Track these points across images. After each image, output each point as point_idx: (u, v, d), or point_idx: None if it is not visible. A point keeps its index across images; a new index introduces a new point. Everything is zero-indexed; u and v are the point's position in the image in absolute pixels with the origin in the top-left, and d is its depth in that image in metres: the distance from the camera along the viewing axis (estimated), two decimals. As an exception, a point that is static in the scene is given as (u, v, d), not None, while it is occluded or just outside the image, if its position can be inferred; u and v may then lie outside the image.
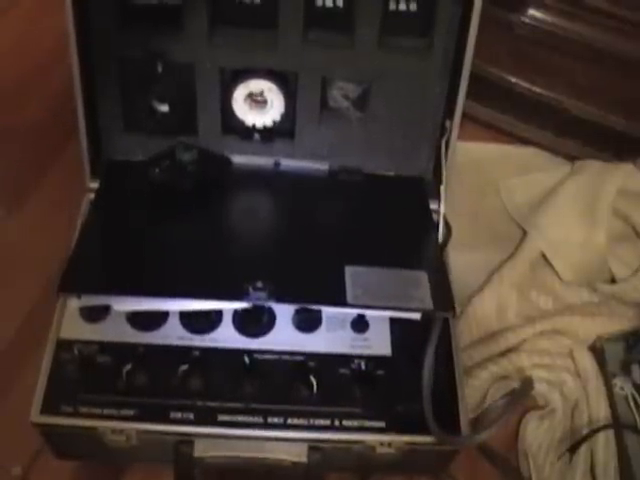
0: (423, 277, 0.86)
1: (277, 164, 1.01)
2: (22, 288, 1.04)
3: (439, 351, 0.85)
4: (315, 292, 0.84)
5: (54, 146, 1.10)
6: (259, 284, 0.81)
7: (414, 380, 0.84)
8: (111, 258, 0.88)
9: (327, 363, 0.85)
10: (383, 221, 0.96)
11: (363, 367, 0.85)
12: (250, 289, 0.81)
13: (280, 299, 0.82)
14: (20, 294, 1.03)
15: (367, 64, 0.94)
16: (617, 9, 1.13)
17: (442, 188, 0.94)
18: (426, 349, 0.84)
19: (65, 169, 1.02)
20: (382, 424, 0.82)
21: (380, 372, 0.85)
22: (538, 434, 0.98)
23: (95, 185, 0.96)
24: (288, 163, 1.00)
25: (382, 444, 0.82)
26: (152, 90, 0.95)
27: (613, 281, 1.11)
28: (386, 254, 0.90)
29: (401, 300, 0.83)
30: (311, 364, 0.84)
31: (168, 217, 0.93)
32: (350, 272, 0.85)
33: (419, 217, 0.97)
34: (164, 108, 0.96)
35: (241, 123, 0.97)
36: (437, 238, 0.94)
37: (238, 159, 1.00)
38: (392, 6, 0.91)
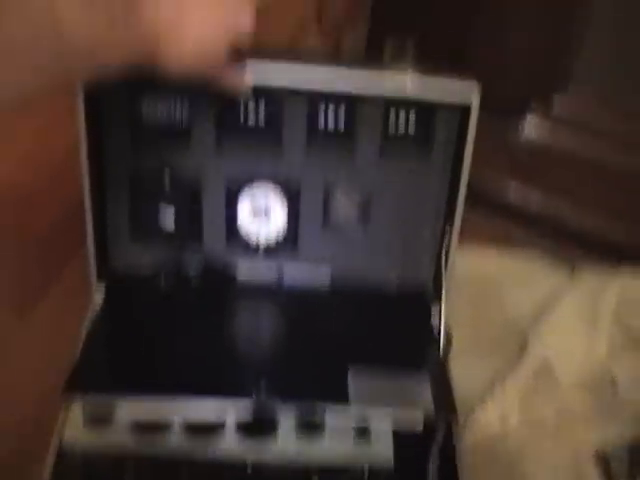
0: (425, 380, 0.86)
1: (280, 275, 1.02)
2: (27, 393, 1.03)
3: (442, 457, 0.85)
4: (318, 391, 0.84)
5: (62, 254, 1.11)
6: (263, 383, 0.82)
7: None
8: (116, 361, 0.89)
9: (330, 475, 0.84)
10: (385, 332, 0.96)
11: (366, 478, 0.84)
12: (254, 387, 0.82)
13: (283, 397, 0.82)
14: (25, 399, 1.02)
15: (368, 180, 0.97)
16: (616, 123, 1.16)
17: (442, 296, 0.94)
18: (428, 463, 0.84)
19: (73, 276, 1.03)
20: None
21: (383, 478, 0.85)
22: None
23: (101, 292, 0.97)
24: (291, 274, 1.02)
25: None
26: (159, 202, 0.97)
27: (616, 388, 1.10)
28: (388, 360, 0.90)
29: (403, 400, 0.84)
30: (314, 477, 0.84)
31: (173, 324, 0.93)
32: (353, 373, 0.86)
33: (420, 327, 0.97)
34: (171, 219, 0.98)
35: (245, 234, 0.99)
36: (438, 347, 0.93)
37: (242, 269, 1.01)
38: (392, 130, 0.95)
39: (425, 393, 0.84)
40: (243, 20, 0.76)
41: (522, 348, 1.14)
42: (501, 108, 1.00)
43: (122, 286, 0.98)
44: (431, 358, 0.92)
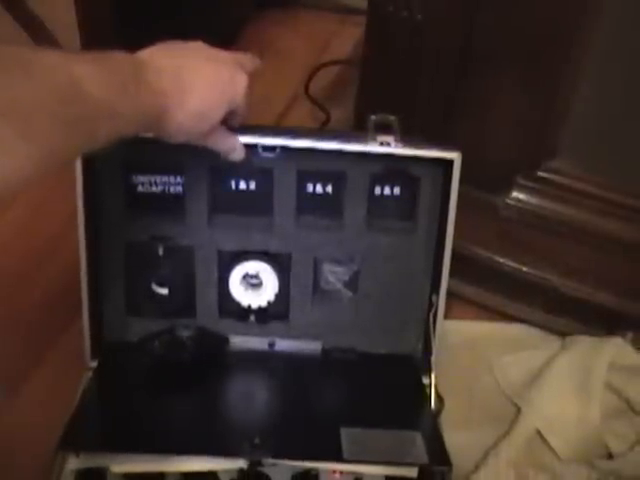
0: (418, 437, 0.86)
1: (272, 344, 1.02)
2: (20, 471, 1.01)
3: None
4: (311, 449, 0.84)
5: (55, 328, 1.11)
6: (256, 440, 0.82)
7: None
8: (110, 420, 0.89)
9: None
10: (377, 395, 0.97)
11: None
12: (247, 445, 0.81)
13: (277, 455, 0.81)
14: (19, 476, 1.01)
15: (355, 244, 0.98)
16: (603, 192, 1.16)
17: (432, 360, 0.94)
18: None
19: (66, 351, 1.03)
20: None
21: None
22: None
23: (94, 364, 0.97)
24: (282, 343, 1.02)
25: None
26: (153, 273, 0.99)
27: (610, 457, 1.07)
28: (380, 421, 0.90)
29: (397, 455, 0.83)
30: None
31: (166, 386, 0.94)
32: (346, 433, 0.86)
33: (412, 391, 0.98)
34: (164, 291, 0.99)
35: (237, 304, 1.00)
36: (430, 407, 0.95)
37: (234, 339, 1.02)
38: (377, 191, 0.98)
39: (419, 448, 0.84)
40: (238, 84, 0.82)
41: (515, 417, 1.11)
42: (487, 181, 1.01)
43: (115, 355, 0.99)
44: (423, 417, 0.94)
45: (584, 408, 1.10)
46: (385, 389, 0.98)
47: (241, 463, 0.83)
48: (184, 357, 0.96)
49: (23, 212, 1.26)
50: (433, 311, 0.96)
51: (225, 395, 0.97)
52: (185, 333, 0.97)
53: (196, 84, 0.78)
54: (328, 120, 1.55)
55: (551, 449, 1.08)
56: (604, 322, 1.18)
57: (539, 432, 1.09)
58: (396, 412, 0.94)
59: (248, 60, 0.88)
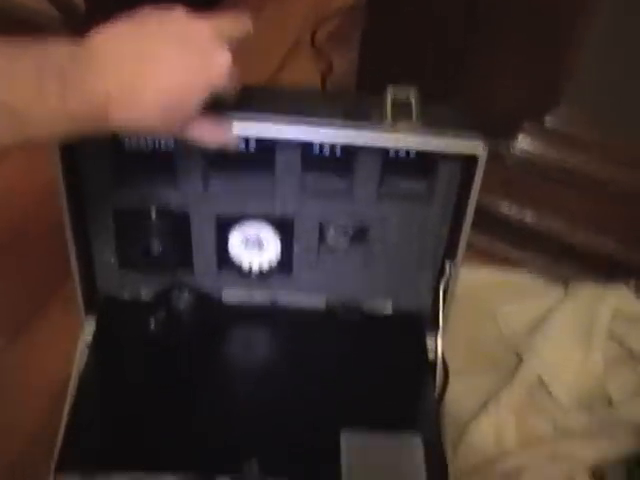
0: (418, 444, 0.81)
1: (274, 302, 0.98)
2: (19, 416, 1.01)
3: None
4: (309, 469, 0.79)
5: (55, 277, 1.09)
6: (254, 462, 0.78)
7: None
8: (106, 430, 0.84)
9: None
10: (380, 369, 0.92)
11: None
12: (245, 467, 0.78)
13: (274, 476, 0.78)
14: (17, 422, 1.01)
15: (366, 211, 0.91)
16: (607, 141, 1.13)
17: (439, 331, 0.91)
18: None
19: (64, 301, 1.02)
20: None
21: None
22: None
23: (90, 323, 0.93)
24: (285, 299, 0.97)
25: None
26: (146, 235, 0.92)
27: (611, 404, 1.07)
28: (382, 412, 0.86)
29: (396, 475, 0.79)
30: None
31: (165, 375, 0.89)
32: (345, 442, 0.81)
33: (417, 366, 0.93)
34: (159, 249, 0.93)
35: (237, 264, 0.94)
36: (434, 391, 0.90)
37: (234, 296, 0.97)
38: (392, 152, 0.86)
39: (418, 465, 0.79)
40: (215, 67, 0.69)
41: (517, 365, 1.10)
42: (493, 127, 0.97)
43: (112, 324, 0.94)
44: (426, 412, 0.88)
45: (586, 356, 1.09)
46: (390, 364, 0.93)
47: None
48: (182, 336, 0.92)
49: (20, 162, 1.23)
50: (445, 280, 0.92)
51: (223, 383, 0.90)
52: (182, 304, 0.94)
53: (157, 74, 0.66)
54: (331, 70, 1.50)
55: (552, 396, 1.07)
56: (607, 269, 1.16)
57: (541, 379, 1.08)
58: (399, 400, 0.89)
59: (234, 26, 0.74)
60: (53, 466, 0.78)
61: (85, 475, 0.79)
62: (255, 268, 0.94)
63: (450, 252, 0.91)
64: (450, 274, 0.91)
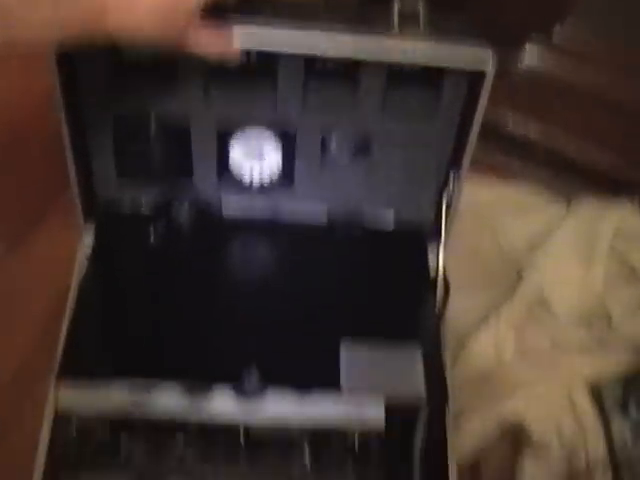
0: (418, 357, 0.81)
1: (275, 214, 0.96)
2: (19, 327, 1.01)
3: (433, 421, 0.81)
4: (309, 377, 0.79)
5: (54, 185, 1.08)
6: (253, 370, 0.78)
7: (407, 453, 0.80)
8: (106, 339, 0.84)
9: (321, 437, 0.81)
10: (381, 282, 0.91)
11: (357, 443, 0.81)
12: (244, 375, 0.78)
13: (274, 385, 0.78)
14: (18, 331, 1.01)
15: (370, 124, 0.89)
16: (613, 56, 1.11)
17: (441, 243, 0.90)
18: (414, 438, 0.80)
19: (64, 208, 1.00)
20: None
21: (373, 447, 0.81)
22: (534, 475, 0.94)
23: (89, 231, 0.92)
24: (286, 211, 0.96)
25: None
26: (145, 144, 0.90)
27: (610, 321, 1.07)
28: (383, 324, 0.86)
29: (395, 386, 0.79)
30: (305, 438, 0.81)
31: (164, 287, 0.88)
32: (345, 350, 0.81)
33: (418, 280, 0.92)
34: (159, 158, 0.92)
35: (238, 175, 0.93)
36: (434, 306, 0.89)
37: (235, 207, 0.96)
38: (397, 65, 0.82)
39: (417, 376, 0.80)
40: None
41: (517, 280, 1.10)
42: (501, 38, 0.94)
43: (111, 235, 0.92)
44: (427, 327, 0.87)
45: (587, 272, 1.09)
46: (391, 277, 0.92)
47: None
48: (182, 248, 0.91)
49: (16, 73, 1.20)
50: (449, 192, 0.90)
51: (223, 295, 0.88)
52: (182, 217, 0.92)
53: None
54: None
55: (552, 312, 1.07)
56: (611, 186, 1.15)
57: (541, 295, 1.08)
58: (400, 313, 0.88)
59: None
60: (54, 374, 0.78)
61: (85, 383, 0.79)
62: (256, 179, 0.92)
63: (454, 166, 0.89)
64: (453, 188, 0.89)
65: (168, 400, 0.80)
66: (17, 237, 1.10)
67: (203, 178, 0.93)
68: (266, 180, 0.93)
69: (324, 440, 0.81)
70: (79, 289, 0.87)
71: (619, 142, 1.13)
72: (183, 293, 0.87)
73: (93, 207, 0.93)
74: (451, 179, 0.89)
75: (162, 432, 0.80)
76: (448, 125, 0.88)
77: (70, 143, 0.86)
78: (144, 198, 0.94)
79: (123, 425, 0.80)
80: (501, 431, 0.95)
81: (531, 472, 0.94)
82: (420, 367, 0.80)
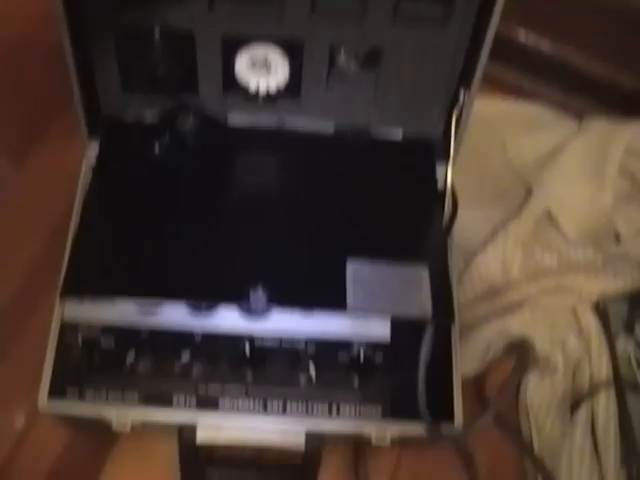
0: (425, 274, 0.81)
1: (281, 126, 0.94)
2: (24, 241, 1.01)
3: (438, 335, 0.82)
4: (315, 297, 0.79)
5: (58, 100, 1.06)
6: (259, 288, 0.78)
7: (412, 367, 0.81)
8: (111, 257, 0.83)
9: (327, 350, 0.82)
10: (388, 197, 0.90)
11: (362, 354, 0.81)
12: (251, 292, 0.77)
13: (280, 304, 0.78)
14: (23, 246, 1.01)
15: (379, 34, 0.86)
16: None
17: (450, 159, 0.89)
18: (420, 352, 0.81)
19: (68, 123, 0.98)
20: (378, 412, 0.80)
21: (379, 358, 0.82)
22: (539, 392, 0.95)
23: (93, 147, 0.91)
24: (292, 124, 0.94)
25: (378, 437, 0.81)
26: (149, 56, 0.88)
27: (618, 240, 1.06)
28: (389, 241, 0.85)
29: (401, 304, 0.79)
30: (311, 350, 0.82)
31: (168, 203, 0.87)
32: (351, 268, 0.81)
33: (425, 195, 0.91)
34: (163, 70, 0.89)
35: (244, 86, 0.90)
36: (442, 221, 0.89)
37: (240, 120, 0.94)
38: None
39: (424, 294, 0.79)
40: None
41: (526, 197, 1.09)
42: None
43: (115, 147, 0.91)
44: (434, 244, 0.86)
45: (597, 191, 1.07)
46: (398, 191, 0.90)
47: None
48: (186, 161, 0.89)
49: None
50: (458, 108, 0.88)
51: (228, 209, 0.87)
52: (187, 127, 0.90)
53: None
54: None
55: (560, 230, 1.06)
56: (623, 104, 1.13)
57: (549, 213, 1.07)
58: (407, 228, 0.87)
59: None
60: (58, 292, 0.78)
61: (89, 300, 0.80)
62: (262, 91, 0.90)
63: (465, 80, 0.87)
64: (464, 103, 0.87)
65: (174, 314, 0.81)
66: (19, 153, 1.09)
67: (208, 91, 0.91)
68: (272, 93, 0.90)
69: (329, 353, 0.81)
70: (83, 204, 0.86)
71: (633, 58, 1.10)
72: (188, 208, 0.86)
73: (97, 123, 0.92)
74: (462, 94, 0.87)
75: (167, 345, 0.80)
76: (460, 36, 0.85)
77: (72, 58, 0.83)
78: (148, 113, 0.92)
79: (128, 338, 0.80)
80: (506, 346, 0.95)
81: (534, 388, 0.94)
82: (427, 285, 0.80)
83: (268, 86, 0.90)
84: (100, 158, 0.90)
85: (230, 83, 0.91)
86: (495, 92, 1.17)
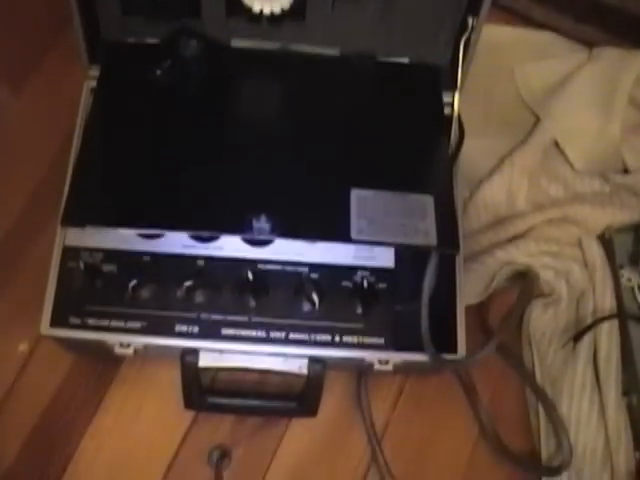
0: (429, 203, 0.79)
1: (285, 50, 0.92)
2: (25, 167, 1.00)
3: (442, 265, 0.82)
4: (319, 226, 0.78)
5: (56, 24, 1.06)
6: (263, 218, 0.76)
7: (415, 295, 0.80)
8: (111, 185, 0.81)
9: (330, 276, 0.82)
10: (394, 125, 0.88)
11: (365, 280, 0.81)
12: (254, 222, 0.76)
13: (283, 234, 0.77)
14: (23, 173, 1.00)
15: None
16: None
17: (457, 86, 0.87)
18: (424, 280, 0.80)
19: (67, 47, 0.97)
20: (381, 341, 0.80)
21: (382, 285, 0.82)
22: (542, 322, 0.95)
23: (94, 72, 0.89)
24: (297, 47, 0.92)
25: (380, 362, 0.81)
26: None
27: (626, 172, 1.04)
28: (394, 167, 0.84)
29: (406, 233, 0.77)
30: (314, 276, 0.81)
31: (170, 129, 0.85)
32: (355, 197, 0.79)
33: (432, 122, 0.89)
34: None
35: (248, 8, 0.87)
36: (448, 150, 0.87)
37: (243, 44, 0.92)
38: None
39: (429, 223, 0.78)
40: None
41: (533, 127, 1.07)
42: None
43: (116, 68, 0.89)
44: (439, 173, 0.85)
45: (605, 121, 1.05)
46: (404, 117, 0.89)
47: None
48: (189, 87, 0.87)
49: None
50: (466, 37, 0.86)
51: (231, 136, 0.86)
52: (190, 52, 0.87)
53: None
54: None
55: (567, 160, 1.05)
56: (634, 33, 1.09)
57: (556, 142, 1.05)
58: (412, 156, 0.85)
59: None
60: (59, 219, 0.77)
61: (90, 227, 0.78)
62: (266, 14, 0.87)
63: (474, 6, 0.84)
64: (472, 29, 0.85)
65: (177, 240, 0.81)
66: (18, 78, 1.07)
67: (211, 15, 0.89)
68: (277, 16, 0.87)
69: (332, 279, 0.81)
70: (84, 130, 0.85)
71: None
72: (191, 134, 0.84)
73: (97, 48, 0.90)
74: (470, 20, 0.85)
75: (170, 271, 0.80)
76: None
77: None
78: (149, 38, 0.90)
79: (131, 263, 0.80)
80: (510, 276, 0.95)
81: (538, 318, 0.94)
82: (432, 214, 0.79)
83: (272, 9, 0.87)
84: (100, 82, 0.88)
85: (233, 6, 0.88)
86: (504, 19, 1.15)
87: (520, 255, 0.94)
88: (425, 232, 0.77)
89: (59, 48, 1.08)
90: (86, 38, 0.87)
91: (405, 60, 0.93)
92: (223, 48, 0.91)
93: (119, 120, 0.86)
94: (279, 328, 0.79)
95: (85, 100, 0.88)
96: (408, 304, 0.80)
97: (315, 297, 0.80)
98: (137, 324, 0.79)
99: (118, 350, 0.80)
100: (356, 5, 0.88)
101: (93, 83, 0.88)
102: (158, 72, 0.86)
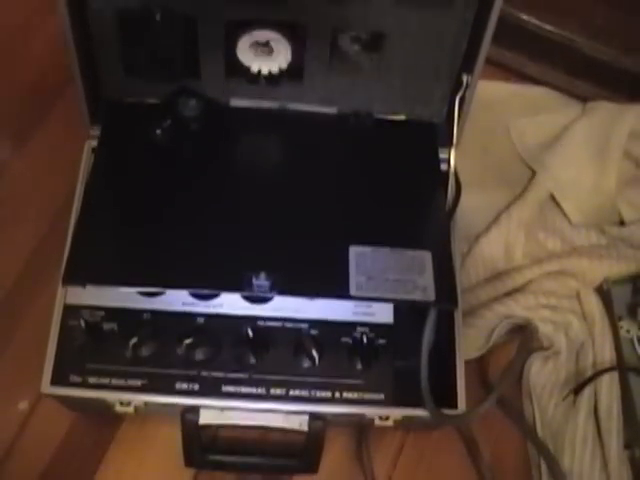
0: (428, 259, 0.79)
1: (283, 109, 0.93)
2: (26, 226, 1.01)
3: (441, 320, 0.82)
4: (318, 283, 0.78)
5: (58, 84, 1.07)
6: (262, 276, 0.76)
7: (415, 351, 0.80)
8: (112, 243, 0.82)
9: (329, 332, 0.82)
10: (391, 182, 0.88)
11: (365, 336, 0.81)
12: (253, 280, 0.76)
13: (283, 292, 0.77)
14: (25, 231, 1.01)
15: (382, 16, 0.84)
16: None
17: (453, 143, 0.88)
18: (423, 336, 0.80)
19: (70, 106, 0.98)
20: (381, 397, 0.80)
21: (381, 341, 0.82)
22: (542, 375, 0.95)
23: (95, 132, 0.89)
24: (295, 106, 0.93)
25: (380, 418, 0.81)
26: (152, 40, 0.86)
27: (622, 224, 1.05)
28: (392, 223, 0.84)
29: (404, 289, 0.77)
30: (314, 332, 0.81)
31: (170, 188, 0.85)
32: (354, 254, 0.79)
33: (429, 179, 0.89)
34: (165, 54, 0.88)
35: (246, 69, 0.89)
36: (445, 205, 0.88)
37: (243, 103, 0.93)
38: None
39: (427, 278, 0.78)
40: None
41: (529, 181, 1.08)
42: None
43: (117, 131, 0.90)
44: (437, 228, 0.85)
45: (600, 174, 1.06)
46: (401, 174, 0.89)
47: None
48: (188, 146, 0.88)
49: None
50: (461, 94, 0.87)
51: (230, 195, 0.86)
52: (189, 112, 0.88)
53: None
54: None
55: (563, 213, 1.05)
56: (627, 88, 1.11)
57: (552, 196, 1.06)
58: (410, 213, 0.86)
59: None
60: (60, 278, 0.77)
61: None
62: (264, 74, 0.89)
63: (469, 63, 0.86)
64: (467, 86, 0.86)
65: (177, 298, 0.81)
66: (21, 137, 1.08)
67: (211, 75, 0.90)
68: (275, 77, 0.89)
69: (332, 336, 0.81)
70: (85, 189, 0.86)
71: (638, 43, 1.09)
72: (191, 192, 0.85)
73: (99, 107, 0.90)
74: (465, 77, 0.86)
75: (170, 329, 0.80)
76: (463, 18, 0.84)
77: (73, 41, 0.82)
78: (150, 97, 0.91)
79: (131, 321, 0.80)
80: (509, 330, 0.95)
81: (538, 371, 0.94)
82: (430, 269, 0.79)
83: (270, 70, 0.88)
84: (101, 142, 0.89)
85: (232, 67, 0.89)
86: (498, 75, 1.16)
87: (519, 309, 0.94)
88: (423, 288, 0.77)
89: (60, 108, 1.09)
90: (88, 98, 0.88)
91: (402, 117, 0.94)
92: (222, 108, 0.92)
93: (120, 179, 0.86)
94: (279, 385, 0.79)
95: (86, 159, 0.89)
96: (408, 359, 0.80)
97: (315, 353, 0.79)
98: (137, 382, 0.78)
99: (119, 408, 0.80)
100: (352, 65, 0.90)
101: (94, 143, 0.89)
102: (158, 132, 0.86)
